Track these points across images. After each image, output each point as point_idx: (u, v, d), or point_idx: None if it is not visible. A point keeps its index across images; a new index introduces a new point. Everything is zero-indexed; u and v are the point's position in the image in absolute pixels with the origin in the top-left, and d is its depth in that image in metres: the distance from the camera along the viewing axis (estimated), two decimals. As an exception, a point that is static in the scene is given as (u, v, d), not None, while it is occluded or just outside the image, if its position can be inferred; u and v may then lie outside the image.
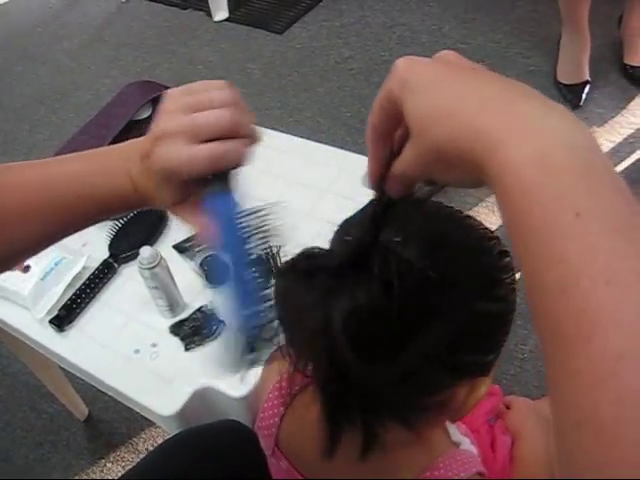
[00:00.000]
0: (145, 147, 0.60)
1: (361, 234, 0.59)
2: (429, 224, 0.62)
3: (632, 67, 2.36)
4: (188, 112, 0.58)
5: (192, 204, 0.63)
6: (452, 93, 0.43)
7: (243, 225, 0.60)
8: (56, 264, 1.33)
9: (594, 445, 0.33)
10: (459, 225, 0.65)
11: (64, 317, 1.25)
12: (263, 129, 1.80)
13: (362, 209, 0.64)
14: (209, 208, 0.60)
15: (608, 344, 0.33)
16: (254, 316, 0.59)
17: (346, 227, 0.65)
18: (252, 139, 0.61)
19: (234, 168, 0.61)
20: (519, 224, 0.38)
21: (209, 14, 3.21)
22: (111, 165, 0.64)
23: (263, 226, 0.61)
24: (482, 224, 0.67)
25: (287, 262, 0.62)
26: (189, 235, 1.36)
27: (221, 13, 3.18)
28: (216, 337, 1.19)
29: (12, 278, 1.33)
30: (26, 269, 1.34)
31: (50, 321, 1.25)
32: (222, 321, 1.21)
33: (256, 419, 0.91)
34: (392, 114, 0.48)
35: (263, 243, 0.61)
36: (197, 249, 1.30)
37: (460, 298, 0.59)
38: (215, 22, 3.18)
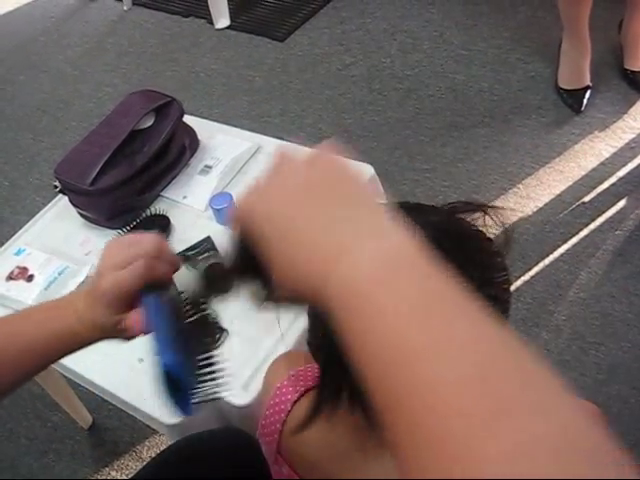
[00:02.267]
0: (88, 287, 0.75)
1: None
2: (420, 226, 0.63)
3: (632, 72, 2.37)
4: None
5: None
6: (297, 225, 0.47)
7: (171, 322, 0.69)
8: (59, 273, 1.33)
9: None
10: (450, 226, 0.67)
11: (68, 326, 1.25)
12: (264, 137, 1.80)
13: None
14: (144, 308, 0.72)
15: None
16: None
17: None
18: (173, 263, 0.75)
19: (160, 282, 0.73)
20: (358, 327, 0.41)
21: (211, 22, 3.22)
22: (61, 310, 0.77)
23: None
24: (474, 225, 0.68)
25: None
26: (192, 244, 1.36)
27: (223, 21, 3.19)
28: (219, 346, 1.19)
29: (16, 287, 1.33)
30: (30, 278, 1.34)
31: (54, 330, 1.25)
32: (225, 329, 1.21)
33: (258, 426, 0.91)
34: None
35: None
36: (200, 257, 1.31)
37: None
38: (217, 30, 3.20)
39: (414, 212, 0.67)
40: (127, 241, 0.75)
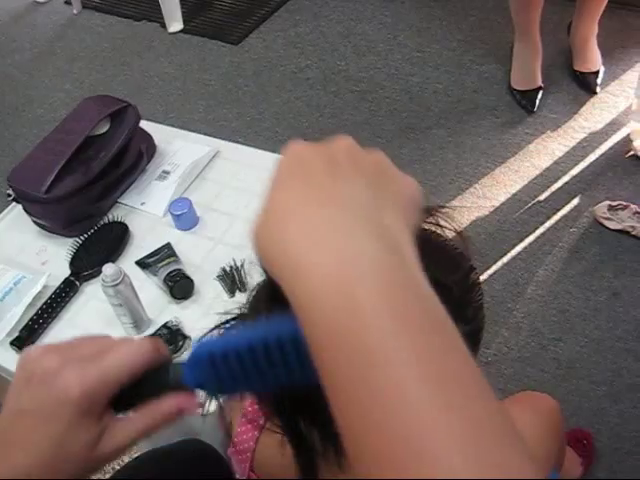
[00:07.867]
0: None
1: None
2: None
3: (582, 73, 2.42)
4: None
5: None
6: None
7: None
8: (15, 284, 1.30)
9: None
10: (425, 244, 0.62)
11: (26, 338, 1.23)
12: (222, 142, 1.78)
13: None
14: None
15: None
16: None
17: None
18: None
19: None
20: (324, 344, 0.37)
21: (163, 25, 3.18)
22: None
23: None
24: (446, 240, 0.64)
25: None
26: (152, 251, 1.34)
27: (176, 24, 3.16)
28: (182, 353, 1.18)
29: (-30, 300, 1.30)
30: (-16, 290, 1.30)
31: (11, 343, 1.23)
32: (188, 336, 1.20)
33: (228, 442, 0.90)
34: None
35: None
36: (160, 264, 1.29)
37: None
38: (170, 33, 3.16)
39: None
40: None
